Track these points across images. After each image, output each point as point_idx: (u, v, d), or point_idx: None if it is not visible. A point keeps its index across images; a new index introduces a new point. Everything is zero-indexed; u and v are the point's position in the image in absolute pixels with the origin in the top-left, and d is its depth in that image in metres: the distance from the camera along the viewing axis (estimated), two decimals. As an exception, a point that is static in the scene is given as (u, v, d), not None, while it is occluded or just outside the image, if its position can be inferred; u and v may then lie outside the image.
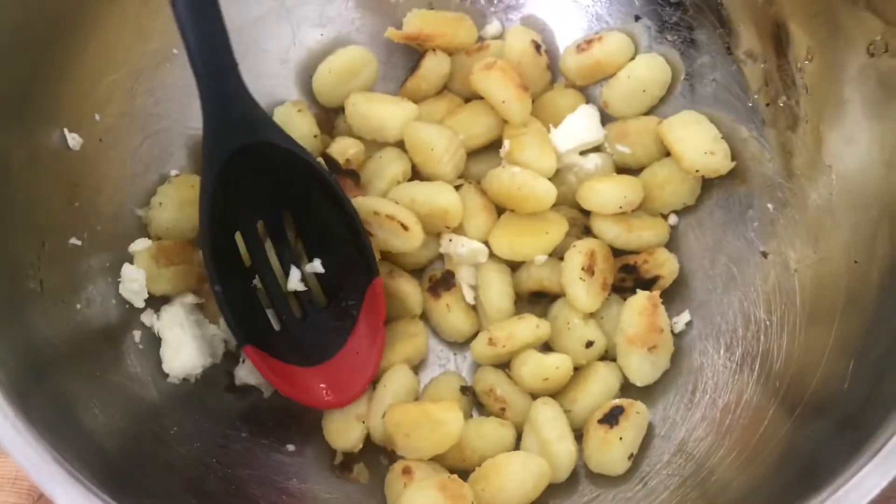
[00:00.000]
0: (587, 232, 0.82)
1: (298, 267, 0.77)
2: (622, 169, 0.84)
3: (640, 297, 0.76)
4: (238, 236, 0.74)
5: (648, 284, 0.79)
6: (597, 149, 0.84)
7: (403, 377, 0.76)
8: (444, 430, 0.70)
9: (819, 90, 0.71)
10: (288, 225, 0.77)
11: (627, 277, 0.80)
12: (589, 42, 0.83)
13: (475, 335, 0.80)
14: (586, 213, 0.82)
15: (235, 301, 0.71)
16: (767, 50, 0.75)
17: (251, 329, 0.73)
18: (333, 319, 0.77)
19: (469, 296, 0.81)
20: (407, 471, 0.70)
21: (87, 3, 0.71)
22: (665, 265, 0.79)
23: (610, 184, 0.80)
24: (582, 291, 0.77)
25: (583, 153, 0.84)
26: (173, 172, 0.79)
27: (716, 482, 0.67)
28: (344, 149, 0.82)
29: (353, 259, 0.76)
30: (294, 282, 0.76)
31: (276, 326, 0.75)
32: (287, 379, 0.72)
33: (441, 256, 0.83)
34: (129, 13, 0.74)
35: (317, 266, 0.77)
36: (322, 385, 0.74)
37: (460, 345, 0.82)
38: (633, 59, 0.83)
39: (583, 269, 0.77)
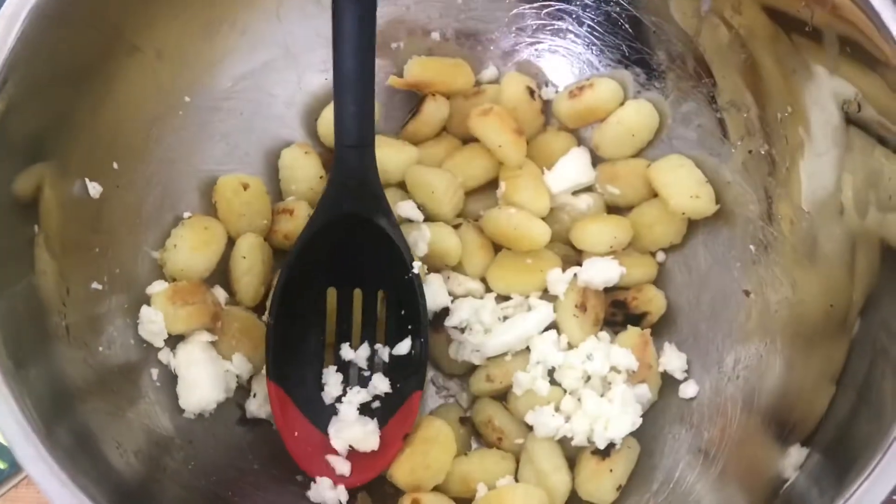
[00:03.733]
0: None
1: (372, 346, 0.80)
2: (612, 208, 0.89)
3: (632, 333, 0.81)
4: (331, 292, 0.79)
5: (637, 319, 0.84)
6: (588, 189, 0.89)
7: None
8: (440, 443, 0.76)
9: (797, 140, 0.76)
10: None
11: (617, 312, 0.84)
12: (581, 88, 0.88)
13: (474, 367, 0.84)
14: (579, 250, 0.86)
15: (281, 341, 0.76)
16: (749, 101, 0.80)
17: (284, 370, 0.76)
18: (365, 409, 0.79)
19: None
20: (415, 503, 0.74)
21: (106, 58, 0.74)
22: (653, 301, 0.84)
23: (601, 224, 0.85)
24: (575, 327, 0.82)
25: (575, 193, 0.88)
26: (186, 214, 0.82)
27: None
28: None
29: (408, 363, 0.79)
30: (361, 358, 0.80)
31: (336, 391, 0.78)
32: (293, 427, 0.76)
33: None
34: (145, 66, 0.77)
35: (384, 354, 0.80)
36: (321, 453, 0.77)
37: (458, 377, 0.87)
38: (622, 104, 0.88)
39: (576, 306, 0.82)
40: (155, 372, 0.77)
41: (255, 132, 0.88)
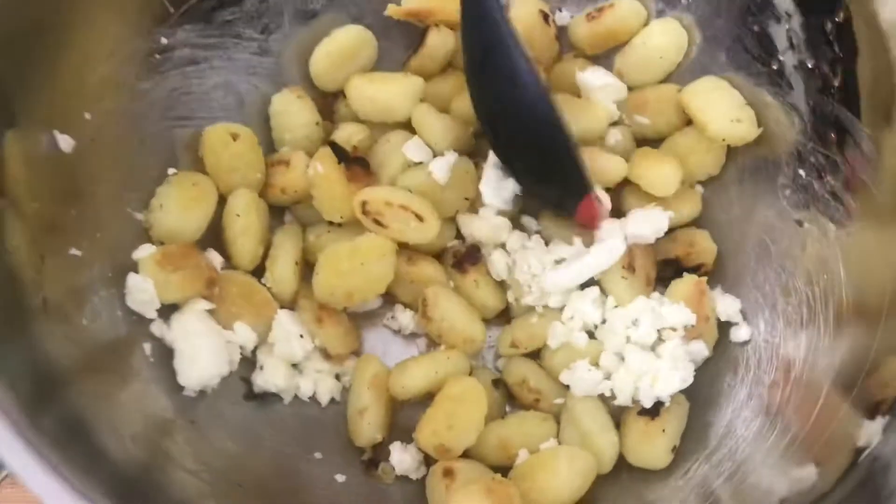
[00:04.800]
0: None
1: None
2: (642, 141, 0.80)
3: (687, 282, 0.73)
4: None
5: (691, 272, 0.76)
6: (615, 123, 0.80)
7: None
8: (468, 401, 0.68)
9: (852, 48, 0.68)
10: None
11: (668, 269, 0.77)
12: (600, 10, 0.79)
13: (503, 311, 0.77)
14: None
15: None
16: (791, 7, 0.71)
17: None
18: None
19: (500, 270, 0.77)
20: (448, 472, 0.66)
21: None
22: (707, 251, 0.76)
23: (669, 165, 0.75)
24: (625, 291, 0.74)
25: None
26: (172, 171, 0.74)
27: (772, 468, 0.64)
28: (349, 135, 0.78)
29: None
30: None
31: None
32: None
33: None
34: (115, 6, 0.68)
35: None
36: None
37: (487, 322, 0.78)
38: (646, 24, 0.79)
39: (623, 267, 0.74)
40: (148, 346, 0.68)
41: (243, 76, 0.79)
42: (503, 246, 0.77)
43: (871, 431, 0.58)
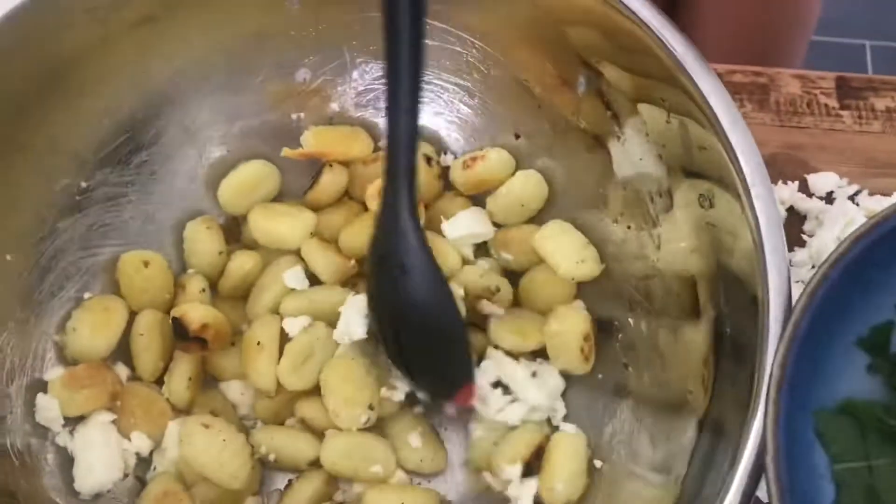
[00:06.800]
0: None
1: None
2: (506, 273, 0.91)
3: None
4: None
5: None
6: (487, 254, 0.91)
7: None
8: None
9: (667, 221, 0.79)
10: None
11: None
12: (473, 159, 0.90)
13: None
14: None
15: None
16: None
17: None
18: None
19: None
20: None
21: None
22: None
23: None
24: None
25: (469, 263, 0.90)
26: (87, 295, 0.85)
27: None
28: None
29: None
30: None
31: None
32: None
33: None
34: (33, 159, 0.80)
35: None
36: None
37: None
38: (513, 174, 0.90)
39: None
40: (51, 457, 0.79)
41: (160, 207, 0.90)
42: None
43: None
